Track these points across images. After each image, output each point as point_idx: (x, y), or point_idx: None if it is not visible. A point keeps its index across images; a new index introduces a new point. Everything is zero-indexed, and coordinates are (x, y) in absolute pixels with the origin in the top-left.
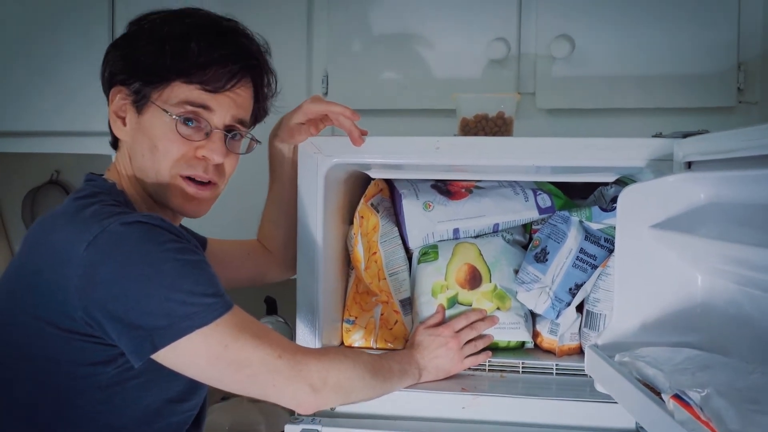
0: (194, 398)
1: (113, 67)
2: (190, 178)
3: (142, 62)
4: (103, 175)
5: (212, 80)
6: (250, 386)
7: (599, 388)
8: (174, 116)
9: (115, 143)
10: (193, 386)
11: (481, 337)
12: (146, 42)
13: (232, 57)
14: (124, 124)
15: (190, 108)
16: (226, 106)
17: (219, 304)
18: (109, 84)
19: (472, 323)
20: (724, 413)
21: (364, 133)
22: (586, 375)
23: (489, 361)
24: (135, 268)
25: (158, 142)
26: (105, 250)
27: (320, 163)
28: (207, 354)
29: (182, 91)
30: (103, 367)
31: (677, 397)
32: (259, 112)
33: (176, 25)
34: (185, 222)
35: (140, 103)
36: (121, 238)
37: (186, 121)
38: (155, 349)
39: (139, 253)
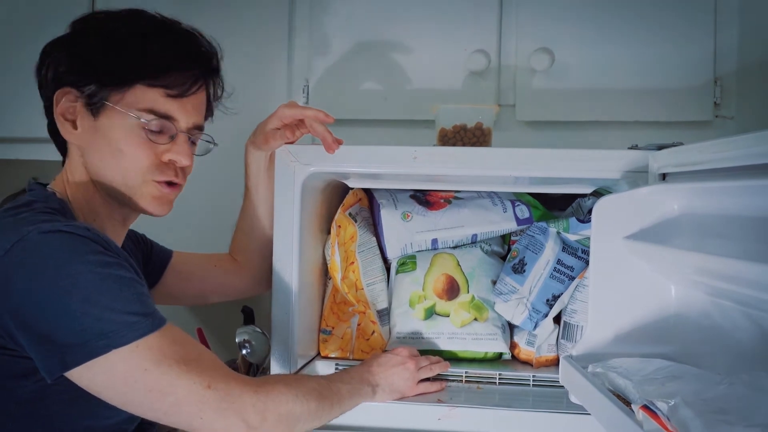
0: (133, 418)
1: (59, 67)
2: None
3: (98, 63)
4: (47, 184)
5: (175, 84)
6: (175, 417)
7: (573, 399)
8: (141, 120)
9: (62, 148)
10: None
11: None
12: (100, 42)
13: (193, 60)
14: (75, 128)
15: (154, 117)
16: (188, 111)
17: (141, 323)
18: (53, 86)
19: (429, 358)
20: (691, 423)
21: (339, 142)
22: (562, 386)
23: (466, 372)
24: (49, 279)
25: (123, 146)
26: (20, 259)
27: (297, 172)
28: (124, 377)
29: (146, 96)
30: (21, 380)
31: (646, 407)
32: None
33: (133, 25)
34: (153, 234)
35: (96, 106)
36: (38, 247)
37: (145, 121)
38: (66, 368)
39: (54, 264)
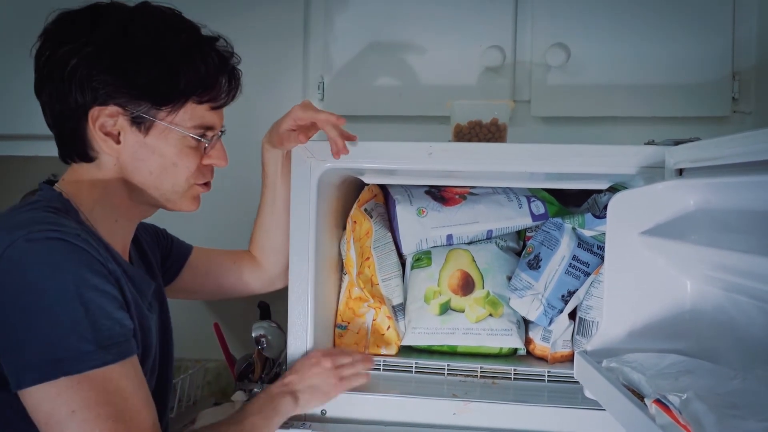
0: None
1: (98, 85)
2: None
3: (150, 85)
4: (54, 183)
5: (218, 97)
6: None
7: (588, 394)
8: (191, 135)
9: (67, 155)
10: None
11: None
12: (148, 61)
13: (224, 69)
14: (118, 142)
15: (203, 131)
16: (221, 116)
17: (93, 355)
18: (90, 102)
19: (350, 353)
20: (703, 417)
21: (352, 138)
22: (577, 382)
23: (481, 367)
24: (21, 293)
25: (177, 160)
26: (5, 268)
27: (313, 168)
28: (48, 411)
29: (195, 113)
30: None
31: (659, 401)
32: None
33: (176, 41)
34: (174, 230)
35: (145, 123)
36: (22, 257)
37: (198, 137)
38: (18, 387)
39: (30, 278)
